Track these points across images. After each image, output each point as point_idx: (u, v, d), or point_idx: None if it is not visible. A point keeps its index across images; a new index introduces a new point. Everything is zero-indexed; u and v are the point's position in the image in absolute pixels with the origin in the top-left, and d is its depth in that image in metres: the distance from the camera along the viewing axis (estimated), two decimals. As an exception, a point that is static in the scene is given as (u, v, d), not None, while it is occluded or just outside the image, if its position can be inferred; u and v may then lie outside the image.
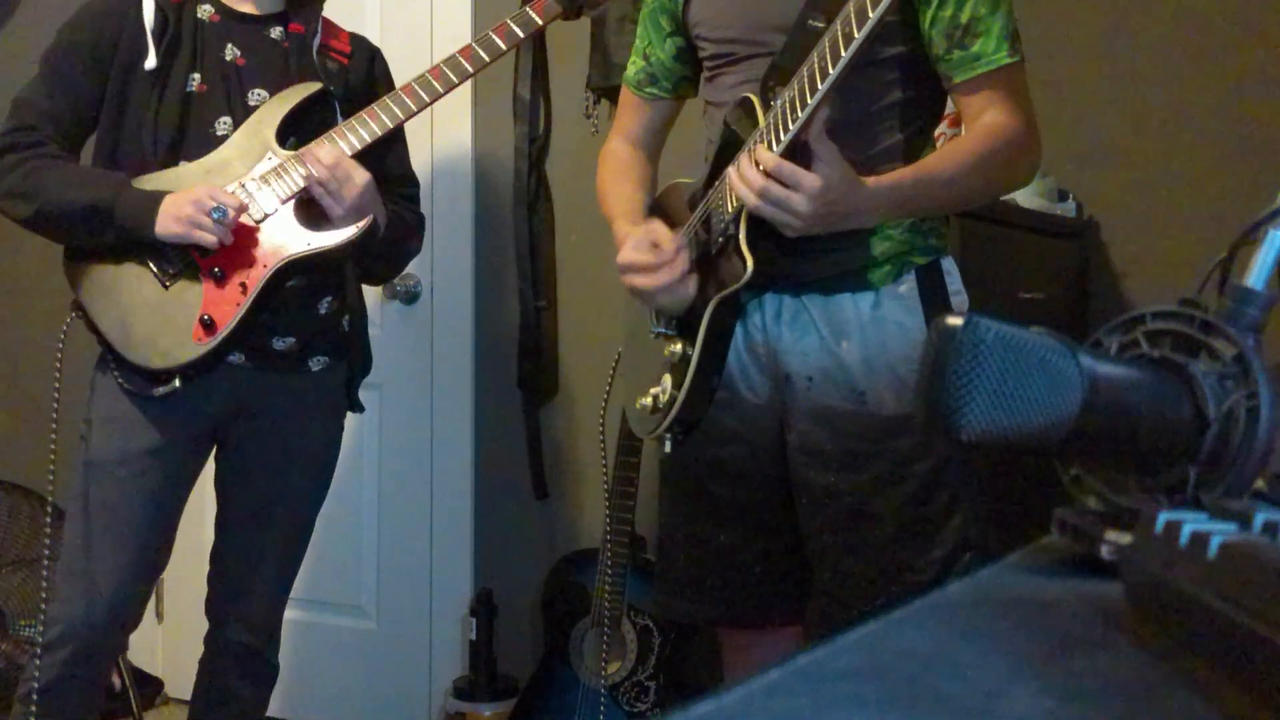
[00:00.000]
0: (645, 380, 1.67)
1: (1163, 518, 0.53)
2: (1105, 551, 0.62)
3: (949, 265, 1.62)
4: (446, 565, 2.90)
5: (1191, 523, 0.51)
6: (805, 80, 1.36)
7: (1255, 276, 0.67)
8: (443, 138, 2.91)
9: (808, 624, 1.73)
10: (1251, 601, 0.43)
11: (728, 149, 1.55)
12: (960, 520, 1.55)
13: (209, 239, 1.81)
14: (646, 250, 1.57)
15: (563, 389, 2.82)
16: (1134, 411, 0.62)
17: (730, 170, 1.48)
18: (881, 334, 1.55)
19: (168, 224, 1.80)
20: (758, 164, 1.39)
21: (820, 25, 1.44)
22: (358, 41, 2.09)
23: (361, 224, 1.89)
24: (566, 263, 2.82)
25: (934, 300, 1.57)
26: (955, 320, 0.58)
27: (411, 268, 2.91)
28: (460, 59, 1.95)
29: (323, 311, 2.00)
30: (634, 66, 1.81)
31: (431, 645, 2.90)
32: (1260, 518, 0.50)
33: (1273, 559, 0.43)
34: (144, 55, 1.88)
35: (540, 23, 1.97)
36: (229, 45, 1.94)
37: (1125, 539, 0.60)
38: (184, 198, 1.81)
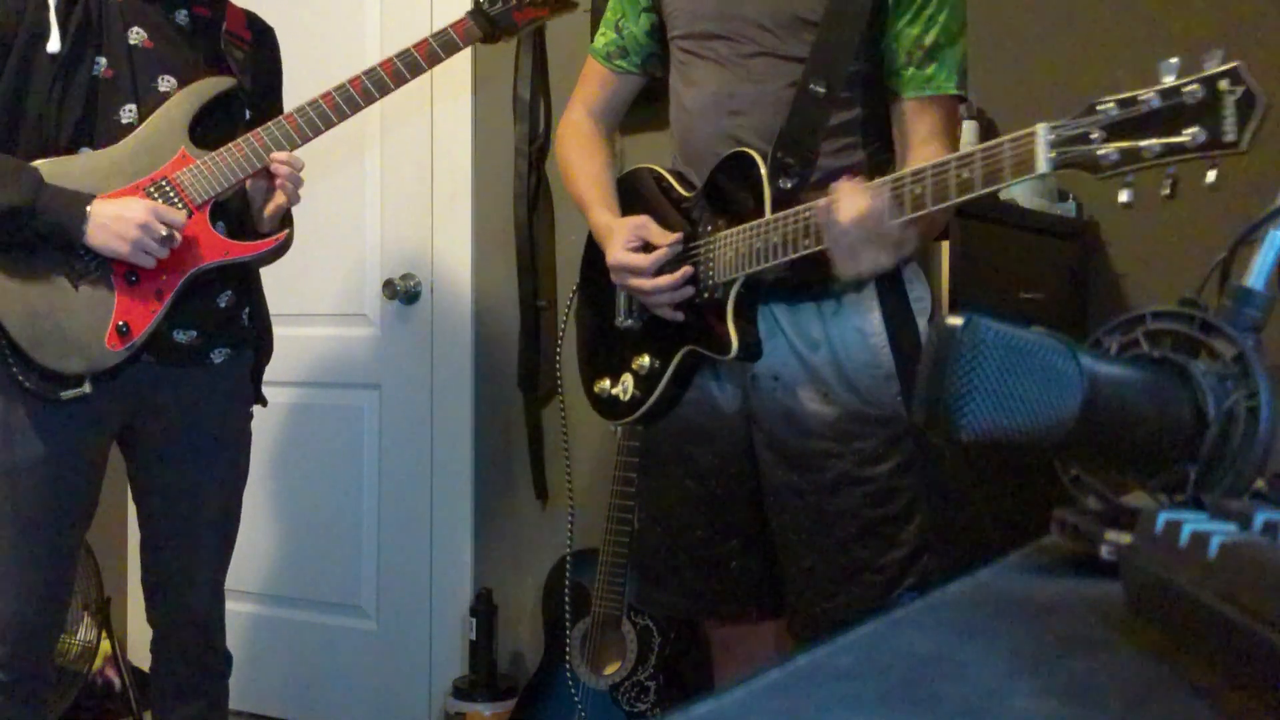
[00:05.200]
0: (607, 367, 1.72)
1: (1163, 518, 0.53)
2: (1105, 551, 0.62)
3: (909, 274, 1.64)
4: (446, 565, 2.90)
5: (1191, 523, 0.51)
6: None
7: (1255, 276, 0.67)
8: (443, 137, 2.91)
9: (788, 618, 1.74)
10: (1251, 601, 0.42)
11: (718, 194, 1.59)
12: (920, 523, 1.58)
13: (151, 263, 1.77)
14: (640, 251, 1.60)
15: (563, 389, 2.82)
16: (1134, 411, 0.62)
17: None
18: (845, 340, 1.59)
19: (108, 239, 1.73)
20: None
21: (821, 91, 1.51)
22: (254, 24, 2.04)
23: (280, 235, 1.90)
24: (566, 263, 2.81)
25: (893, 306, 1.60)
26: (955, 320, 0.58)
27: (411, 268, 2.92)
28: (381, 72, 1.90)
29: (222, 305, 1.96)
30: (603, 38, 1.82)
31: (431, 645, 2.90)
32: (1260, 518, 0.50)
33: (1273, 559, 0.43)
34: (46, 35, 1.79)
35: (461, 45, 1.94)
36: (134, 28, 1.87)
37: (1125, 539, 0.60)
38: (129, 216, 1.74)
